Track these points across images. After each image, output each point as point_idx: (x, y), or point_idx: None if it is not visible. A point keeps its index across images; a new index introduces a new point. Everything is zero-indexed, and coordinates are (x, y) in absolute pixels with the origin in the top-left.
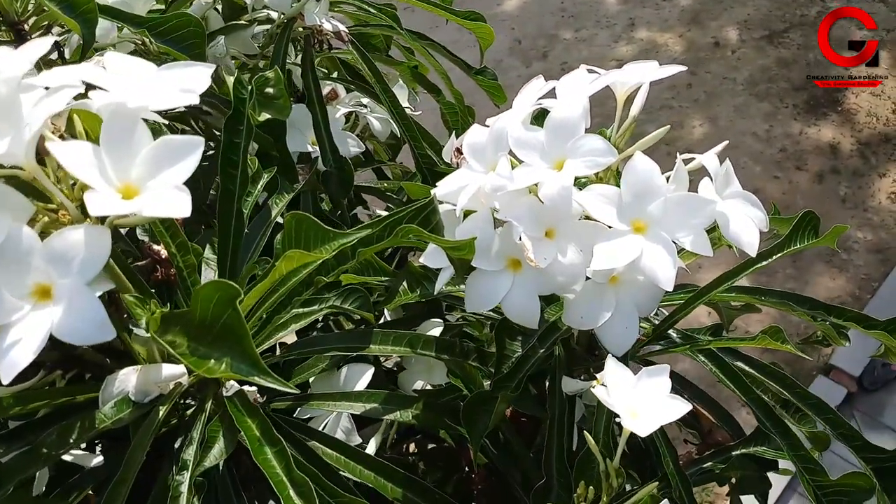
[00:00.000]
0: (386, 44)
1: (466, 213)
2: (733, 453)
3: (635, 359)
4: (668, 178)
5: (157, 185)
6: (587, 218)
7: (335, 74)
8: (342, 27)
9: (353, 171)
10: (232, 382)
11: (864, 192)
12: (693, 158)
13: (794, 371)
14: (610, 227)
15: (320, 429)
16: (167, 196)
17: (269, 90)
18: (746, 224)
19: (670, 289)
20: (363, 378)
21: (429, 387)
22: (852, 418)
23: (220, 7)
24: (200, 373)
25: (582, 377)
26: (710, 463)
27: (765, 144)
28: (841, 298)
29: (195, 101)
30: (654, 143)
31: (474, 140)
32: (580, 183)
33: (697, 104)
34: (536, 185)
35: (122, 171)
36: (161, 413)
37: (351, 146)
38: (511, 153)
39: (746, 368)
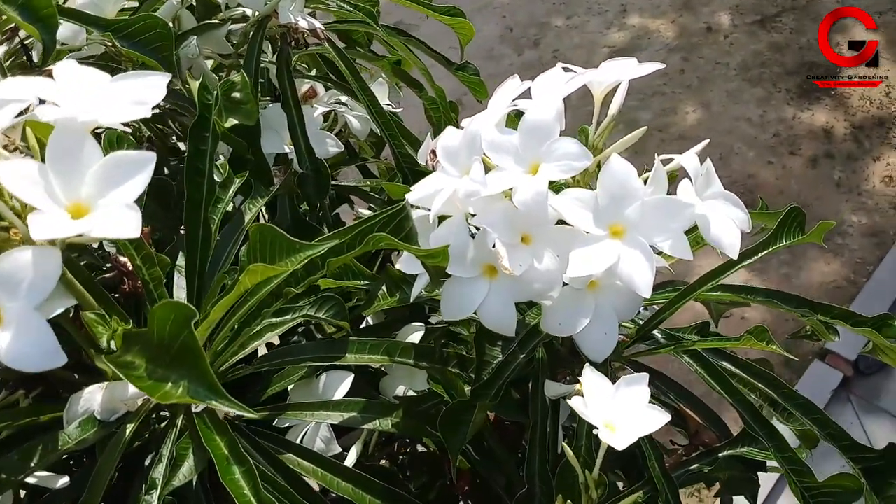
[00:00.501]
0: (368, 39)
1: (442, 219)
2: (720, 455)
3: (620, 360)
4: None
5: (107, 204)
6: (564, 223)
7: (314, 72)
8: (318, 24)
9: (330, 172)
10: None
11: (858, 175)
12: (672, 159)
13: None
14: (587, 233)
15: (299, 438)
16: (117, 215)
17: (236, 95)
18: (727, 226)
19: (647, 295)
20: (342, 385)
21: (412, 392)
22: (848, 402)
23: (195, 5)
24: (156, 399)
25: (566, 379)
26: (697, 465)
27: (758, 129)
28: (836, 283)
29: (146, 114)
30: (631, 143)
31: (448, 143)
32: (557, 186)
33: (690, 90)
34: (511, 189)
35: (71, 189)
36: (128, 432)
37: (329, 146)
38: (486, 156)
39: (732, 368)
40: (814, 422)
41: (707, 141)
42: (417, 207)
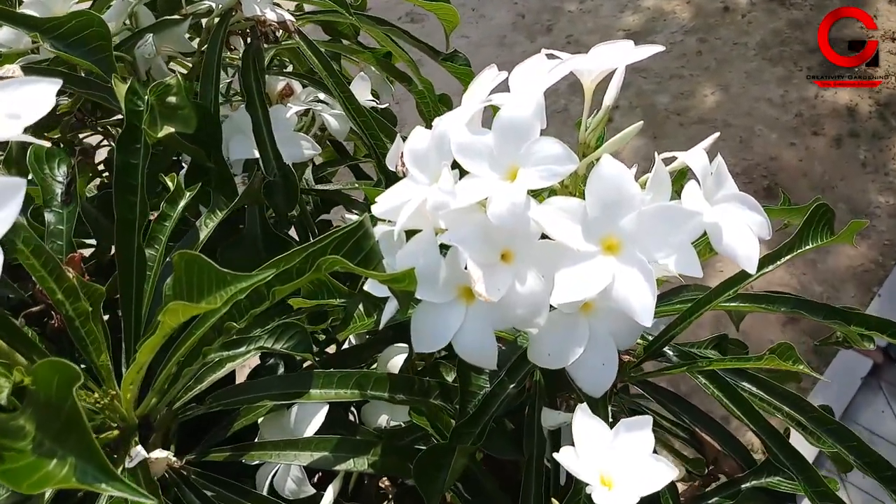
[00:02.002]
0: (355, 31)
1: (412, 234)
2: (743, 486)
3: (630, 379)
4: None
5: None
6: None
7: (291, 68)
8: (288, 16)
9: (302, 175)
10: (137, 450)
11: (884, 154)
12: (674, 157)
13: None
14: (575, 249)
15: (269, 477)
16: None
17: (171, 99)
18: (743, 234)
19: (649, 324)
20: (314, 421)
21: (396, 422)
22: (880, 390)
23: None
24: (33, 482)
25: (568, 404)
26: (716, 498)
27: (780, 110)
28: (864, 266)
29: (16, 133)
30: (625, 142)
31: (415, 146)
32: (543, 192)
33: (708, 72)
34: (486, 200)
35: None
36: (47, 496)
37: (304, 149)
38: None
39: (753, 390)
40: (850, 449)
41: (717, 134)
42: (386, 221)
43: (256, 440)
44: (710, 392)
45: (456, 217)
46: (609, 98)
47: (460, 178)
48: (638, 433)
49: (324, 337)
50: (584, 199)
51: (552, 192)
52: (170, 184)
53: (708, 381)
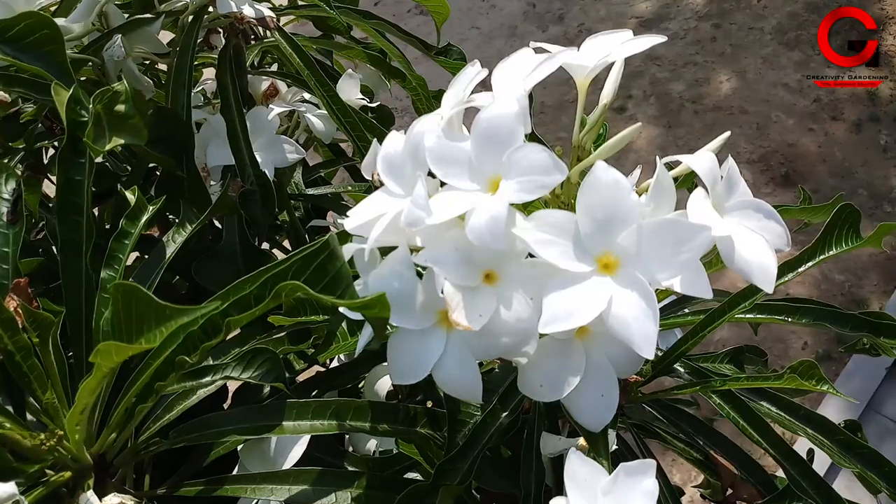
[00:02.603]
0: (348, 27)
1: (388, 251)
2: None
3: (635, 399)
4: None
5: None
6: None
7: (275, 67)
8: (268, 12)
9: (277, 187)
10: (87, 496)
11: None
12: (678, 162)
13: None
14: (566, 269)
15: None
16: None
17: (120, 108)
18: (758, 248)
19: (650, 356)
20: (294, 450)
21: (386, 446)
22: None
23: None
24: None
25: (572, 426)
26: None
27: (797, 96)
28: (886, 254)
29: None
30: (623, 144)
31: (389, 153)
32: (535, 205)
33: (723, 58)
34: (465, 215)
35: None
36: None
37: (288, 153)
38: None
39: (774, 410)
40: (881, 476)
41: (727, 134)
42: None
43: (236, 468)
44: (726, 413)
45: (432, 234)
46: (606, 95)
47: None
48: (640, 480)
49: (304, 360)
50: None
51: (544, 201)
52: (130, 197)
53: (723, 401)
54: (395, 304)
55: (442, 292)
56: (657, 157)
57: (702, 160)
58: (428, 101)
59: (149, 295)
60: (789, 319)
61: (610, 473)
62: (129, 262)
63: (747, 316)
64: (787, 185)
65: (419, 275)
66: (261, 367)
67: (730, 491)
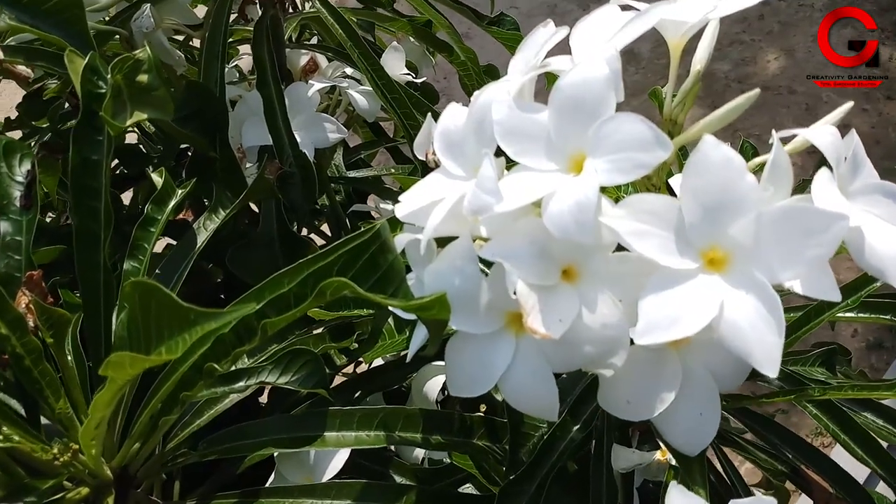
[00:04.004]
0: None
1: (446, 242)
2: None
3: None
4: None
5: None
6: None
7: (314, 40)
8: None
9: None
10: None
11: None
12: (794, 135)
13: None
14: (666, 266)
15: None
16: None
17: (142, 79)
18: (893, 241)
19: (774, 374)
20: (335, 460)
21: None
22: None
23: None
24: None
25: (643, 434)
26: None
27: (851, 74)
28: None
29: None
30: (736, 115)
31: (449, 128)
32: (619, 191)
33: (771, 36)
34: (541, 200)
35: None
36: None
37: (329, 132)
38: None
39: (880, 424)
40: None
41: (850, 104)
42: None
43: (272, 475)
44: (824, 425)
45: (501, 223)
46: (700, 59)
47: (507, 170)
48: None
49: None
50: (673, 195)
51: (629, 187)
52: (156, 179)
53: (820, 411)
54: (455, 303)
55: (514, 293)
56: (773, 133)
57: (824, 135)
58: (478, 76)
59: (170, 296)
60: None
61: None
62: (160, 248)
63: (848, 315)
64: None
65: (483, 269)
66: (300, 370)
67: None
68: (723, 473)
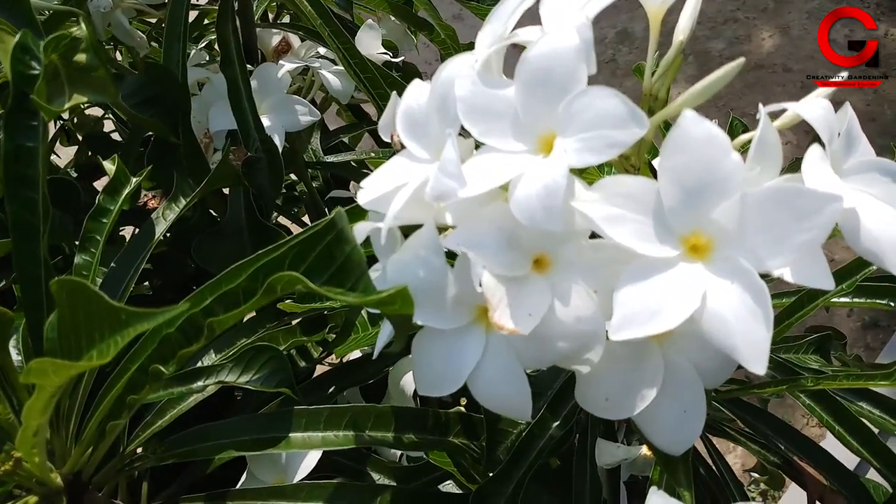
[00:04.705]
0: None
1: (413, 229)
2: None
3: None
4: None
5: None
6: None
7: (287, 19)
8: None
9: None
10: None
11: None
12: (784, 109)
13: None
14: (644, 255)
15: None
16: None
17: (80, 58)
18: (889, 223)
19: (762, 371)
20: (307, 460)
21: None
22: None
23: None
24: None
25: (629, 427)
26: None
27: (846, 52)
28: None
29: None
30: (717, 88)
31: (411, 107)
32: (602, 173)
33: (766, 14)
34: (509, 184)
35: None
36: None
37: (300, 114)
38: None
39: (876, 414)
40: None
41: (845, 74)
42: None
43: (244, 475)
44: (817, 416)
45: (467, 210)
46: (682, 29)
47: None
48: None
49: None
50: (653, 176)
51: (611, 168)
52: (109, 167)
53: (814, 401)
54: (420, 297)
55: (480, 285)
56: (760, 107)
57: (816, 108)
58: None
59: (99, 296)
60: (893, 304)
61: None
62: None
63: (843, 300)
64: None
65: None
66: (262, 368)
67: None
68: (712, 466)
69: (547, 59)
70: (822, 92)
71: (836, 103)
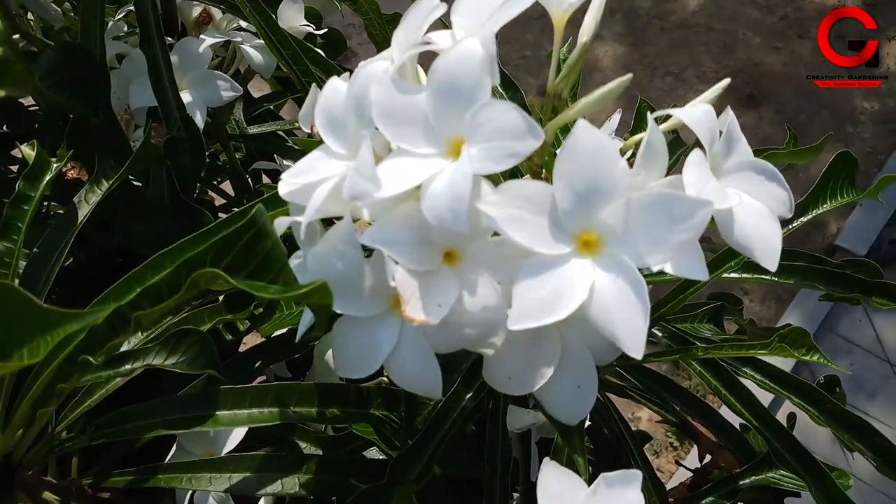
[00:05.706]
0: None
1: (333, 222)
2: (741, 482)
3: (608, 370)
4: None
5: None
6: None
7: None
8: None
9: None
10: None
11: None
12: (669, 115)
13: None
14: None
15: (187, 499)
16: None
17: None
18: (761, 220)
19: (639, 356)
20: (236, 431)
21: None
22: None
23: None
24: None
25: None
26: (710, 498)
27: (764, 12)
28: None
29: None
30: (610, 98)
31: (330, 104)
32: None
33: None
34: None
35: None
36: None
37: (223, 90)
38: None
39: (758, 377)
40: (870, 446)
41: (727, 81)
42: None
43: (174, 448)
44: (707, 382)
45: (382, 208)
46: (586, 31)
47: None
48: (622, 493)
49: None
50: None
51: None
52: (28, 152)
53: (704, 368)
54: (338, 288)
55: (393, 279)
56: (649, 115)
57: (698, 116)
58: (381, 27)
59: (28, 298)
60: (777, 279)
61: (586, 470)
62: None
63: (733, 275)
64: (750, 105)
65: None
66: (187, 351)
67: (708, 457)
68: (615, 426)
69: (454, 71)
70: (706, 97)
71: (754, 64)
